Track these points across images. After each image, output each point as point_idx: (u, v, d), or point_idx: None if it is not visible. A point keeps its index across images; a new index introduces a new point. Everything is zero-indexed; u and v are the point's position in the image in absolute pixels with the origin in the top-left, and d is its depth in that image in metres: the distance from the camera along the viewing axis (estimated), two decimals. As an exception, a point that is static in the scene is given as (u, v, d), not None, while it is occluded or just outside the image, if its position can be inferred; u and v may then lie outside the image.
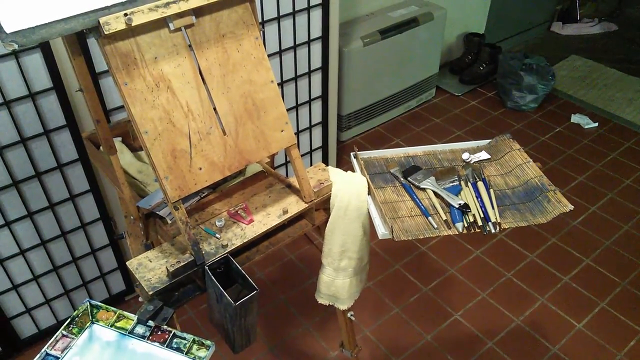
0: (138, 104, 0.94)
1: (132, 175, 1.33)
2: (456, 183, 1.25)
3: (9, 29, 0.80)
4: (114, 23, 0.88)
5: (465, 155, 1.33)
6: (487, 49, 3.33)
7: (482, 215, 1.15)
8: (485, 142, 1.39)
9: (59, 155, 1.66)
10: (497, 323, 2.01)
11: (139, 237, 1.25)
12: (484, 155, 1.33)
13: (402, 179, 1.27)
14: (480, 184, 1.23)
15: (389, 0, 2.93)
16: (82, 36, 1.33)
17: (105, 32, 0.88)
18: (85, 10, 0.86)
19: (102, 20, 0.87)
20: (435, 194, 1.22)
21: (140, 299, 1.10)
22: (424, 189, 1.23)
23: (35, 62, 1.49)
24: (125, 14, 0.89)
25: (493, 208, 1.17)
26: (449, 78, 3.42)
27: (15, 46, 0.82)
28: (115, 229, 1.91)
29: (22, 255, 1.75)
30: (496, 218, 1.15)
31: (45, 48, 1.48)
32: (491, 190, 1.22)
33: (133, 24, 0.90)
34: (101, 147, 1.31)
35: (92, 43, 1.55)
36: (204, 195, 1.22)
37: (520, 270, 2.21)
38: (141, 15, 0.91)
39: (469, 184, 1.24)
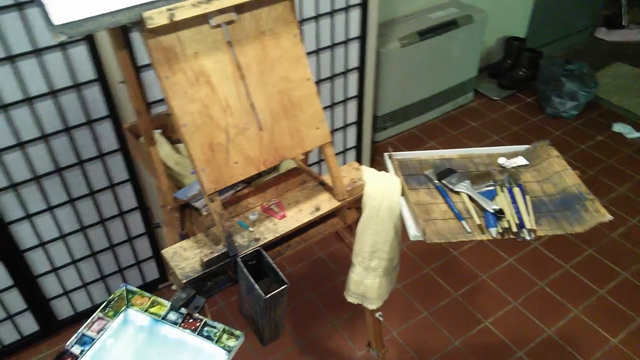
0: (178, 97, 0.96)
1: (170, 167, 1.36)
2: (492, 188, 1.23)
3: (57, 21, 0.83)
4: (157, 18, 0.91)
5: (501, 160, 1.31)
6: (527, 54, 3.27)
7: (517, 222, 1.14)
8: (523, 147, 1.37)
9: (101, 144, 1.71)
10: (528, 332, 1.97)
11: (174, 227, 1.28)
12: (521, 160, 1.31)
13: (436, 181, 1.26)
14: (516, 190, 1.21)
15: (428, 2, 2.91)
16: (125, 30, 1.37)
17: (149, 27, 0.90)
18: (131, 4, 0.89)
19: (145, 14, 0.89)
20: (470, 197, 1.20)
21: (173, 287, 1.12)
22: (458, 192, 1.22)
23: (81, 53, 1.54)
24: (169, 9, 0.91)
25: (529, 215, 1.15)
26: (487, 82, 3.37)
27: (63, 37, 0.85)
28: (152, 218, 1.96)
29: (63, 240, 1.81)
30: (531, 225, 1.13)
31: (90, 40, 1.52)
32: (527, 197, 1.20)
33: (175, 19, 0.92)
34: (141, 139, 1.35)
35: (135, 37, 1.59)
36: (238, 189, 1.24)
37: (554, 280, 2.17)
38: (184, 11, 0.93)
39: (505, 189, 1.22)
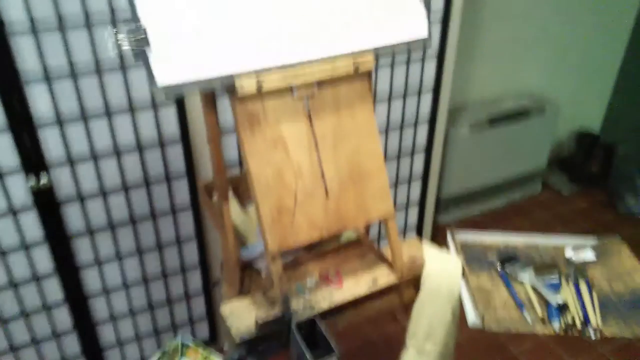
0: (255, 159, 1.03)
1: (236, 226, 1.41)
2: (556, 280, 1.19)
3: (160, 83, 0.93)
4: (247, 86, 0.99)
5: (569, 253, 1.28)
6: (601, 150, 3.20)
7: (581, 318, 1.09)
8: (592, 242, 1.33)
9: (175, 200, 1.81)
10: None
11: (234, 286, 1.31)
12: (589, 255, 1.28)
13: (499, 267, 1.24)
14: (582, 285, 1.17)
15: (500, 90, 2.95)
16: (214, 95, 1.48)
17: (239, 93, 0.98)
18: (225, 73, 0.98)
19: (237, 82, 0.98)
20: (533, 288, 1.17)
21: (224, 347, 1.14)
22: (521, 281, 1.19)
23: (169, 114, 1.67)
24: (258, 80, 1.00)
25: (595, 312, 1.11)
26: (557, 175, 3.31)
27: (162, 97, 0.94)
28: (211, 277, 2.01)
29: (125, 289, 1.88)
30: (597, 323, 1.08)
31: (180, 103, 1.66)
32: (594, 293, 1.16)
33: (263, 89, 1.00)
34: (214, 196, 1.42)
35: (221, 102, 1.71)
36: (299, 254, 1.27)
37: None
38: (271, 82, 1.01)
39: (571, 282, 1.18)
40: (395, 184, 2.28)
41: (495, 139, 2.75)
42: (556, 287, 1.17)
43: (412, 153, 2.25)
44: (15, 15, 1.38)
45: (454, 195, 2.82)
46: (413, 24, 1.15)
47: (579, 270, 1.22)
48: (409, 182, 2.32)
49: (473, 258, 1.27)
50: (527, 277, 1.19)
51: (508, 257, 1.25)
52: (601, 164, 3.20)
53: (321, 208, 1.10)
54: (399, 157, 2.22)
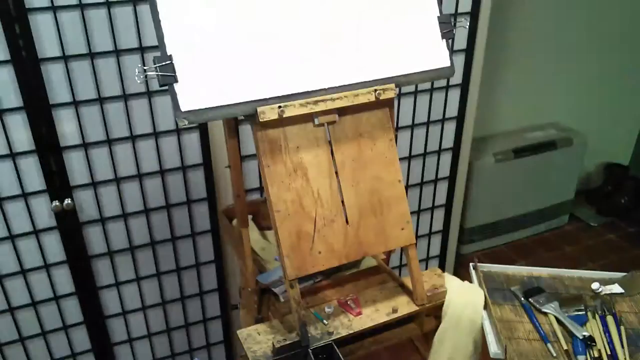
0: (276, 185, 1.03)
1: (255, 252, 1.41)
2: (582, 313, 1.16)
3: (184, 107, 0.94)
4: (269, 113, 1.00)
5: (595, 285, 1.24)
6: (630, 182, 3.13)
7: (608, 353, 1.05)
8: (620, 275, 1.29)
9: (195, 224, 1.82)
10: None
11: (251, 311, 1.30)
12: (616, 288, 1.23)
13: (522, 298, 1.21)
14: (609, 319, 1.13)
15: (527, 121, 2.93)
16: (237, 121, 1.50)
17: (260, 120, 0.99)
18: (247, 99, 0.99)
19: (259, 109, 0.99)
20: (558, 320, 1.13)
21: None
22: (545, 313, 1.16)
23: (192, 140, 1.69)
24: (279, 107, 1.00)
25: (622, 347, 1.06)
26: (584, 206, 3.24)
27: (186, 122, 0.95)
28: (229, 301, 2.00)
29: (143, 312, 1.88)
30: (625, 358, 1.04)
31: (203, 129, 1.68)
32: (622, 327, 1.11)
33: (284, 116, 1.01)
34: (234, 221, 1.42)
35: (242, 128, 1.73)
36: (317, 280, 1.26)
37: None
38: (292, 109, 1.02)
39: (597, 316, 1.14)
40: (418, 212, 2.26)
41: (520, 170, 2.72)
42: (582, 320, 1.13)
43: (436, 181, 2.23)
44: (48, 43, 1.43)
45: (479, 225, 2.78)
46: (435, 53, 1.15)
47: (606, 304, 1.17)
48: (432, 211, 2.30)
49: (496, 289, 1.24)
50: (552, 309, 1.15)
51: (532, 289, 1.22)
52: (630, 196, 3.12)
53: (341, 235, 1.09)
54: (422, 185, 2.20)
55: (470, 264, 1.31)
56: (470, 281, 1.27)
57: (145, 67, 0.93)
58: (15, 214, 1.58)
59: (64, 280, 1.72)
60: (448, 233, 2.39)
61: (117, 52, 1.50)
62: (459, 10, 1.91)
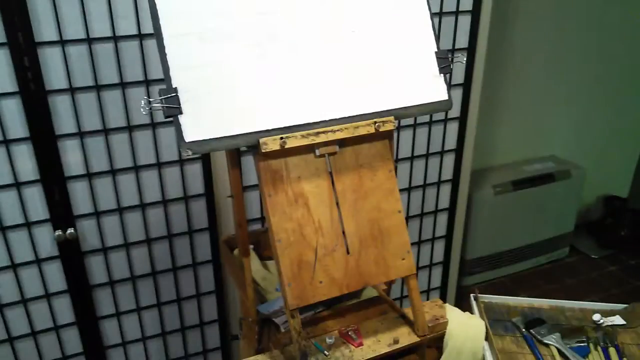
0: (277, 214, 1.04)
1: (256, 281, 1.41)
2: (584, 344, 1.15)
3: (188, 138, 0.96)
4: (271, 144, 1.02)
5: (596, 317, 1.24)
6: (630, 214, 3.14)
7: (612, 386, 1.04)
8: (621, 306, 1.29)
9: (196, 254, 1.82)
10: None
11: (252, 341, 1.30)
12: (618, 320, 1.23)
13: (524, 330, 1.21)
14: (612, 350, 1.12)
15: (525, 154, 2.95)
16: (239, 151, 1.52)
17: (263, 151, 1.01)
18: (250, 130, 1.01)
19: (262, 140, 1.01)
20: (560, 352, 1.13)
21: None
22: (547, 345, 1.16)
23: (195, 170, 1.71)
24: (281, 138, 1.03)
25: (626, 380, 1.06)
26: (585, 238, 3.24)
27: (189, 153, 0.97)
28: (229, 332, 1.99)
29: (143, 342, 1.87)
30: (629, 392, 1.03)
31: (205, 159, 1.70)
32: (624, 359, 1.11)
33: (286, 147, 1.03)
34: (235, 251, 1.43)
35: (244, 159, 1.75)
36: (318, 310, 1.26)
37: None
38: (294, 140, 1.04)
39: (599, 348, 1.14)
40: (419, 243, 2.26)
41: (519, 202, 2.73)
42: (584, 352, 1.13)
43: (436, 213, 2.24)
44: (55, 76, 1.46)
45: (479, 257, 2.78)
46: (433, 87, 1.18)
47: (608, 335, 1.17)
48: (433, 242, 2.30)
49: (497, 320, 1.24)
50: (553, 340, 1.15)
51: (533, 320, 1.21)
52: (630, 228, 3.13)
53: (341, 264, 1.10)
54: (422, 216, 2.21)
55: (471, 295, 1.32)
56: (472, 312, 1.27)
57: (150, 99, 0.95)
58: (18, 242, 1.59)
59: (64, 309, 1.72)
60: (449, 265, 2.38)
61: (123, 85, 1.54)
62: (457, 46, 1.96)
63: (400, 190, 2.09)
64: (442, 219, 2.27)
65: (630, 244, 3.13)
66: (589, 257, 3.10)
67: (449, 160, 2.15)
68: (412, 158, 2.07)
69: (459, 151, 2.14)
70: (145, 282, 1.79)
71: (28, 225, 1.58)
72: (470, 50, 1.98)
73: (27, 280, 1.64)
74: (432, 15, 1.18)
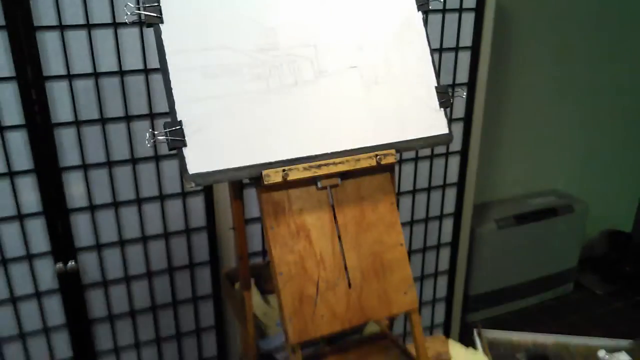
0: (279, 246, 1.04)
1: (257, 316, 1.40)
2: (590, 382, 1.13)
3: (192, 170, 0.97)
4: (273, 176, 1.03)
5: (601, 353, 1.22)
6: (634, 250, 3.12)
7: None
8: (627, 342, 1.27)
9: (197, 288, 1.81)
10: None
11: (251, 377, 1.28)
12: (623, 356, 1.21)
13: (527, 367, 1.19)
14: (619, 389, 1.10)
15: (527, 188, 2.96)
16: (241, 184, 1.53)
17: (265, 183, 1.02)
18: (253, 163, 1.02)
19: (264, 172, 1.02)
20: (565, 390, 1.11)
21: None
22: (552, 383, 1.13)
23: (197, 203, 1.72)
24: (284, 170, 1.03)
25: (635, 419, 1.03)
26: (589, 274, 3.21)
27: (193, 185, 0.98)
28: (229, 369, 1.95)
29: (141, 380, 1.84)
30: None
31: (207, 192, 1.71)
32: (633, 398, 1.08)
33: (288, 179, 1.04)
34: (237, 284, 1.42)
35: (246, 192, 1.76)
36: (320, 346, 1.24)
37: None
38: (296, 172, 1.05)
39: (606, 386, 1.11)
40: (421, 279, 2.24)
41: (523, 237, 2.72)
42: (591, 391, 1.10)
43: (438, 247, 2.23)
44: (61, 109, 1.49)
45: (483, 293, 2.75)
46: (433, 121, 1.19)
47: (615, 374, 1.15)
48: (435, 277, 2.28)
49: (500, 356, 1.21)
50: (559, 379, 1.13)
51: (538, 356, 1.20)
52: (635, 264, 3.10)
53: (343, 299, 1.09)
54: (424, 250, 2.20)
55: (475, 330, 1.30)
56: (475, 348, 1.25)
57: (155, 132, 0.96)
58: (18, 275, 1.58)
59: (62, 344, 1.70)
60: (452, 300, 2.36)
61: (128, 118, 1.56)
62: (457, 81, 1.99)
63: (403, 224, 2.10)
64: (445, 253, 2.26)
65: (636, 280, 3.10)
66: (594, 293, 3.06)
67: (451, 193, 2.16)
68: (414, 191, 2.07)
69: (460, 185, 2.15)
70: (144, 316, 1.77)
71: (29, 257, 1.58)
72: (471, 85, 2.00)
73: (26, 313, 1.63)
74: (432, 51, 1.20)
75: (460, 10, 1.89)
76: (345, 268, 1.10)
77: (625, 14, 2.82)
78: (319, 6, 1.12)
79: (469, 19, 1.92)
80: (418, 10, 1.20)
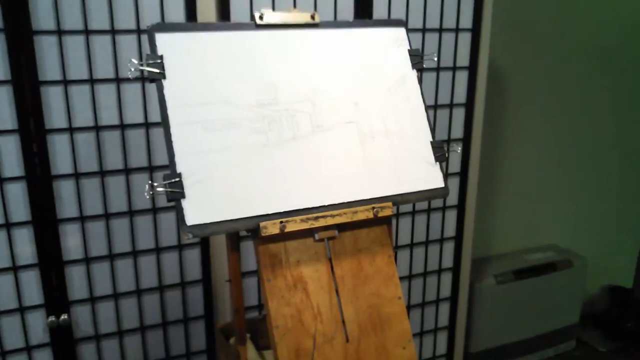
0: (276, 299, 1.03)
1: (252, 372, 1.36)
2: None
3: (189, 222, 0.98)
4: (271, 228, 1.03)
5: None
6: (635, 305, 3.08)
7: None
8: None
9: (190, 343, 1.77)
10: None
11: None
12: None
13: None
14: None
15: (525, 243, 2.95)
16: (238, 236, 1.53)
17: (262, 234, 1.02)
18: (250, 215, 1.03)
19: (262, 224, 1.02)
20: None
21: None
22: None
23: (193, 256, 1.71)
24: (281, 222, 1.04)
25: None
26: (591, 330, 3.15)
27: (190, 236, 0.98)
28: None
29: None
30: None
31: (204, 244, 1.70)
32: None
33: (285, 231, 1.04)
34: (232, 339, 1.39)
35: (242, 245, 1.75)
36: (316, 404, 1.20)
37: None
38: (293, 224, 1.05)
39: None
40: (421, 334, 2.20)
41: (522, 292, 2.69)
42: None
43: (437, 302, 2.20)
44: (62, 161, 1.50)
45: (484, 349, 2.69)
46: (429, 175, 1.21)
47: None
48: (435, 333, 2.24)
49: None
50: None
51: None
52: (637, 320, 3.05)
53: (341, 353, 1.07)
54: (423, 305, 2.17)
55: (475, 388, 1.26)
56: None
57: (154, 184, 0.97)
58: (9, 328, 1.55)
59: (50, 402, 1.64)
60: (452, 357, 2.30)
61: (127, 171, 1.57)
62: (452, 137, 2.02)
63: (401, 277, 2.09)
64: (444, 308, 2.22)
65: (639, 337, 3.04)
66: (597, 351, 3.00)
67: (449, 248, 2.15)
68: (411, 245, 2.07)
69: (458, 239, 2.14)
70: (137, 373, 1.73)
71: (21, 310, 1.55)
72: (466, 140, 2.04)
73: (15, 369, 1.58)
74: (427, 107, 1.23)
75: (454, 68, 1.95)
76: (343, 321, 1.09)
77: (617, 73, 2.90)
78: (318, 63, 1.16)
79: (462, 76, 1.97)
80: (413, 68, 1.24)
